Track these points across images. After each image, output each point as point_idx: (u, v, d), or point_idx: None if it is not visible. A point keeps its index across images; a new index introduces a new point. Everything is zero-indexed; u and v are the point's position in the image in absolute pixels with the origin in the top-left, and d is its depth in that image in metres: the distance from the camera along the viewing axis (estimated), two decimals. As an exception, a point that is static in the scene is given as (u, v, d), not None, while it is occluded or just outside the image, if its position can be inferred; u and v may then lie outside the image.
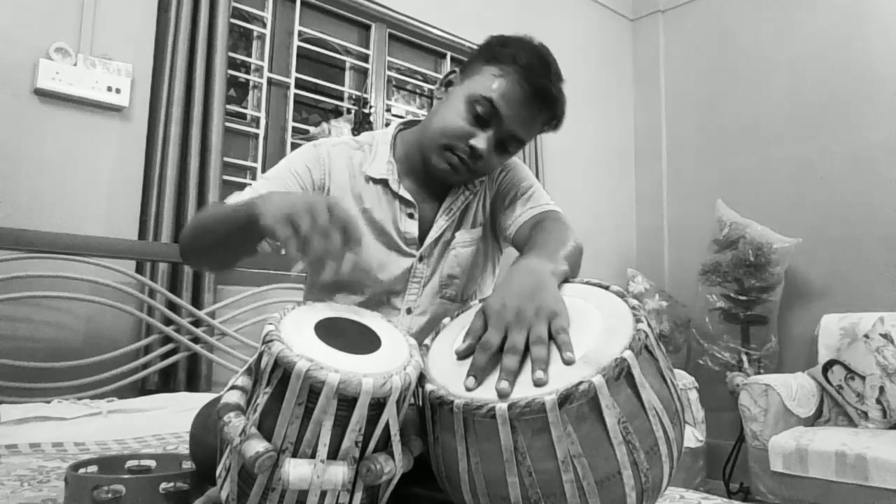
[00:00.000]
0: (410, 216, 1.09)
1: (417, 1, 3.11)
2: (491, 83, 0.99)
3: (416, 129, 1.12)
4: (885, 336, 2.69)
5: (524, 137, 1.03)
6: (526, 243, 0.98)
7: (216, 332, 2.22)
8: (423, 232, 1.10)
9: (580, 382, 0.62)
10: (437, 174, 1.05)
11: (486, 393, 0.66)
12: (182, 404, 1.81)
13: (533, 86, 0.99)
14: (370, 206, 1.08)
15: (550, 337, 0.69)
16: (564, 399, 0.62)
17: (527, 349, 0.69)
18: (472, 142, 1.00)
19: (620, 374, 0.64)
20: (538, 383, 0.64)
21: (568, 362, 0.66)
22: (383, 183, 1.09)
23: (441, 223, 1.10)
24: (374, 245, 1.08)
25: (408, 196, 1.08)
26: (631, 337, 0.67)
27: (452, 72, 1.09)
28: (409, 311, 1.09)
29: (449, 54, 3.30)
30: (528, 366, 0.67)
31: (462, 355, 0.73)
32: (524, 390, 0.64)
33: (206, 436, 0.85)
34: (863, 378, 2.65)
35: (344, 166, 1.10)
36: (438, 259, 1.10)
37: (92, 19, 2.15)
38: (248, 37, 2.70)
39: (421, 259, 1.09)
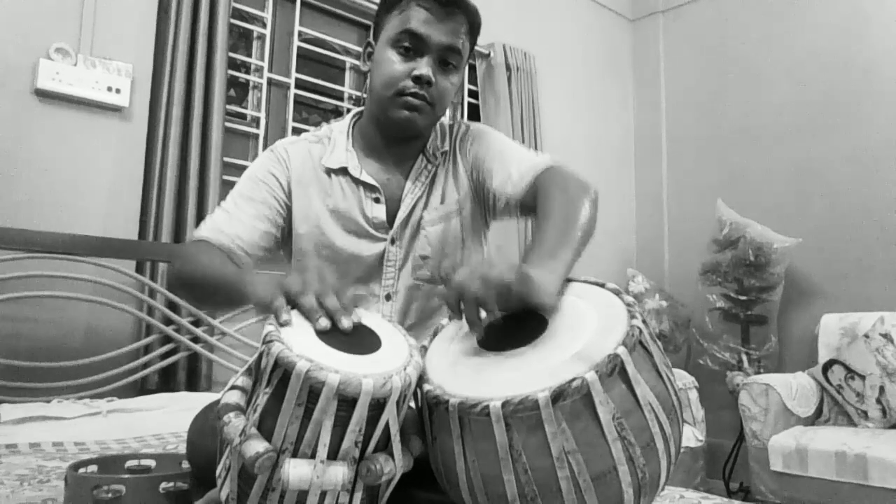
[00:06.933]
0: (377, 200, 1.09)
1: (417, 1, 3.11)
2: (401, 21, 1.02)
3: (366, 110, 1.13)
4: (885, 336, 2.69)
5: (455, 45, 1.04)
6: (534, 214, 0.99)
7: (216, 331, 2.22)
8: (392, 214, 1.10)
9: (573, 379, 0.63)
10: (403, 127, 1.05)
11: (481, 391, 0.66)
12: (182, 404, 1.81)
13: None
14: (335, 198, 1.09)
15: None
16: (557, 396, 0.62)
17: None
18: (416, 72, 1.01)
19: (614, 370, 0.64)
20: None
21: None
22: (344, 172, 1.10)
23: (408, 202, 1.10)
24: (343, 237, 1.08)
25: (370, 180, 1.09)
26: (625, 333, 0.67)
27: (367, 44, 1.11)
28: (388, 297, 1.09)
29: (449, 54, 3.30)
30: (530, 364, 0.68)
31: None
32: (518, 388, 0.64)
33: (204, 441, 0.85)
34: (863, 378, 2.65)
35: (304, 162, 1.11)
36: (411, 241, 1.10)
37: (92, 19, 2.15)
38: (248, 37, 2.70)
39: (393, 242, 1.09)
